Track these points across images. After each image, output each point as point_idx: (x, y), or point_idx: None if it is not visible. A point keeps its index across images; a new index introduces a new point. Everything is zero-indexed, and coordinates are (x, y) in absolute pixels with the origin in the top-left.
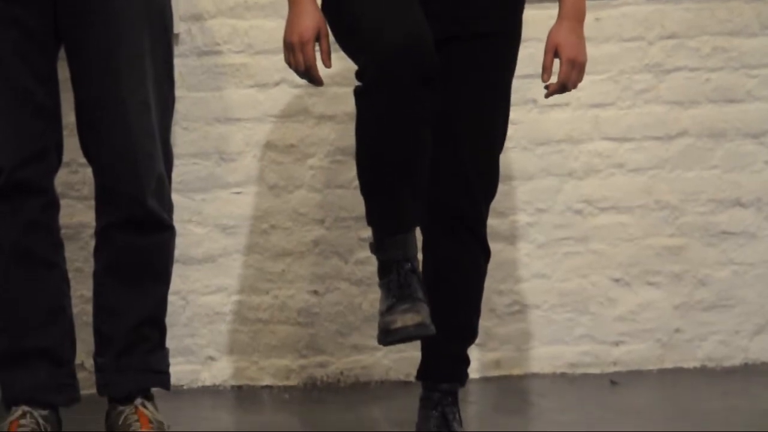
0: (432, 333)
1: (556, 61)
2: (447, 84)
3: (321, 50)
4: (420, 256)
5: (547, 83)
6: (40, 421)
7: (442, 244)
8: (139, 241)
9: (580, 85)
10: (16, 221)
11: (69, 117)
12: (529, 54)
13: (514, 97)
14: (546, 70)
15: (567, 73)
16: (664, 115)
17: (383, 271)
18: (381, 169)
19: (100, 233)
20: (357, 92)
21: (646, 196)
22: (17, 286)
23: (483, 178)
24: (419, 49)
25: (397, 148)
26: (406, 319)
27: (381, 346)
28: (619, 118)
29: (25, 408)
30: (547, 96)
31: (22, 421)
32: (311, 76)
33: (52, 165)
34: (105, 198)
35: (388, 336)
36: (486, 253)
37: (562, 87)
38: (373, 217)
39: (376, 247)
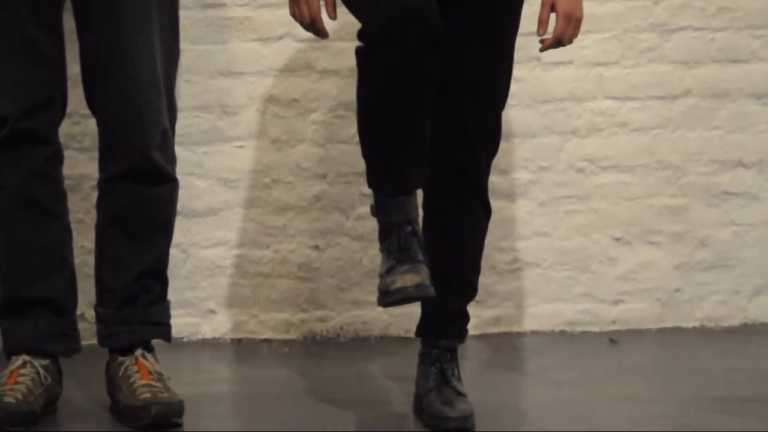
0: (431, 295)
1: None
2: (449, 41)
3: (326, 2)
4: (420, 211)
5: (543, 37)
6: (41, 370)
7: (442, 200)
8: (143, 192)
9: (584, 43)
10: (20, 170)
11: (72, 68)
12: (534, 12)
13: (518, 54)
14: (542, 24)
15: (563, 28)
16: (668, 75)
17: (384, 234)
18: (382, 130)
19: (103, 184)
20: (359, 53)
21: (649, 155)
22: (20, 234)
23: (485, 134)
24: (422, 10)
25: (399, 109)
26: (405, 279)
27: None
28: (623, 77)
29: (26, 357)
30: (541, 50)
31: (23, 371)
32: (316, 28)
33: (57, 115)
34: (109, 149)
35: (387, 297)
36: (487, 211)
37: (557, 42)
38: (374, 179)
39: (377, 209)
